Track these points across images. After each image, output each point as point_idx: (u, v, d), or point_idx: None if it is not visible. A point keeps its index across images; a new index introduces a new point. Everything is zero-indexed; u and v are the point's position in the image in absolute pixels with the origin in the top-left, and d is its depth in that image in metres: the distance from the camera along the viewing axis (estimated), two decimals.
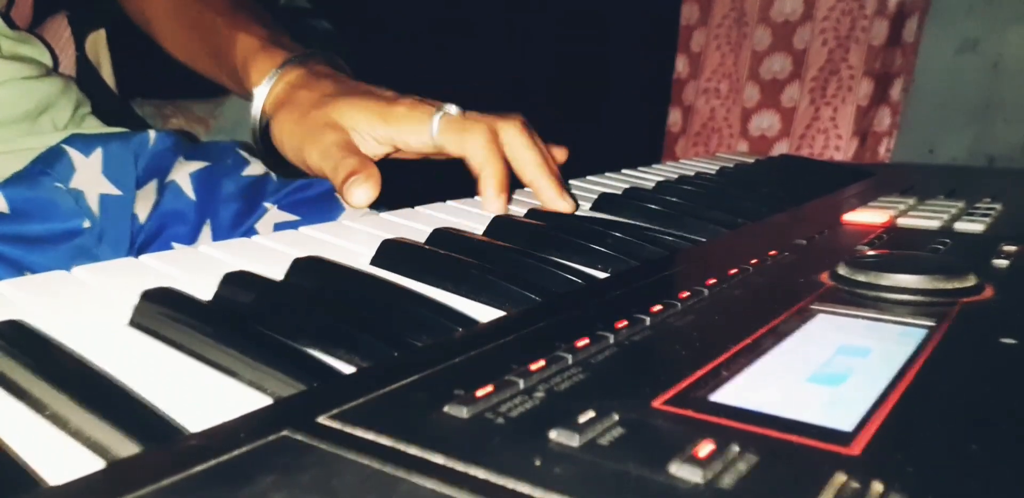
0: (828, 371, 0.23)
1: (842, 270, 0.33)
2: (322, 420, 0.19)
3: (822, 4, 1.70)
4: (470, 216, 0.46)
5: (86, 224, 0.55)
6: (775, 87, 1.80)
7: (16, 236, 0.52)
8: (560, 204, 0.50)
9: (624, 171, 0.68)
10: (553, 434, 0.18)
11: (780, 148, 1.79)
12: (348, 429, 0.19)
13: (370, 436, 0.18)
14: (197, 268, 0.33)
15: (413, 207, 0.48)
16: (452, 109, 0.50)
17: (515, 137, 0.49)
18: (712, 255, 0.40)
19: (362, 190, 0.47)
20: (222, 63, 0.59)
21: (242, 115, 1.14)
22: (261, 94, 0.54)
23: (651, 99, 2.02)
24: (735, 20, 1.84)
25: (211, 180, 0.61)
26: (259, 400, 0.24)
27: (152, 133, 0.61)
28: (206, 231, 0.60)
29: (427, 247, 0.39)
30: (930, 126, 1.68)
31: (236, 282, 0.31)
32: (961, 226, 0.45)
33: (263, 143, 0.56)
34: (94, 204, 0.56)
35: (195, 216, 0.60)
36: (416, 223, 0.44)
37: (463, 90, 0.78)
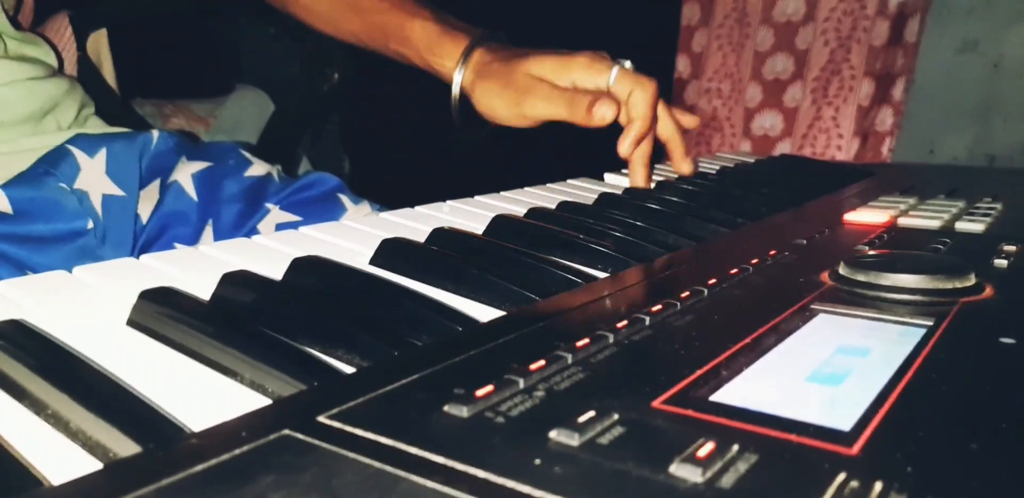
0: (827, 371, 0.23)
1: (842, 270, 0.33)
2: (322, 419, 0.19)
3: (824, 5, 1.69)
4: (470, 216, 0.46)
5: (89, 225, 0.55)
6: (777, 87, 1.79)
7: (20, 236, 0.52)
8: (685, 166, 0.65)
9: (625, 171, 0.68)
10: (553, 434, 0.18)
11: (782, 148, 1.79)
12: (348, 428, 0.19)
13: (370, 435, 0.18)
14: (198, 268, 0.33)
15: (413, 207, 0.48)
16: (627, 63, 0.61)
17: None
18: (712, 255, 0.40)
19: (607, 107, 0.55)
20: (391, 42, 0.68)
21: (242, 115, 1.14)
22: (459, 77, 0.64)
23: None
24: (737, 20, 1.84)
25: (213, 181, 0.61)
26: (259, 400, 0.24)
27: (155, 133, 0.61)
28: (208, 232, 0.60)
29: (427, 247, 0.39)
30: (931, 126, 1.68)
31: (234, 282, 0.31)
32: (961, 226, 0.45)
33: (462, 116, 0.66)
34: (97, 205, 0.56)
35: (197, 217, 0.60)
36: (416, 223, 0.44)
37: None
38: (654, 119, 0.60)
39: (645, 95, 0.58)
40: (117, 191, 0.57)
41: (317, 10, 0.72)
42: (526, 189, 0.56)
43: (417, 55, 0.67)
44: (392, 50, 0.69)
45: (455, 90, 0.64)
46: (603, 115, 0.55)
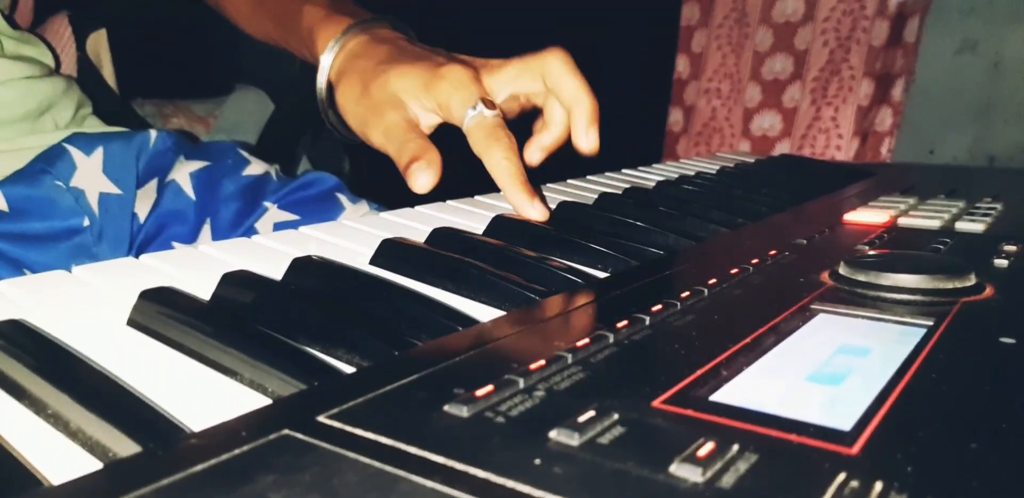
0: (828, 370, 0.23)
1: (842, 270, 0.33)
2: (322, 419, 0.19)
3: (823, 5, 1.70)
4: (470, 216, 0.46)
5: (86, 223, 0.55)
6: (777, 87, 1.80)
7: (15, 234, 0.52)
8: (587, 139, 0.51)
9: (624, 171, 0.68)
10: (553, 433, 0.18)
11: (782, 148, 1.79)
12: (348, 428, 0.19)
13: (370, 435, 0.18)
14: (197, 267, 0.33)
15: (413, 207, 0.48)
16: (487, 111, 0.48)
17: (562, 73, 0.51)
18: (712, 255, 0.40)
19: (424, 176, 0.46)
20: (289, 34, 0.59)
21: (242, 115, 1.14)
22: (325, 64, 0.53)
23: (651, 99, 2.02)
24: (736, 21, 1.84)
25: (211, 180, 0.61)
26: (259, 400, 0.24)
27: (153, 133, 0.61)
28: (206, 231, 0.60)
29: (427, 247, 0.39)
30: (931, 126, 1.69)
31: (234, 282, 0.31)
32: (961, 226, 0.45)
33: (331, 112, 0.55)
34: (94, 203, 0.56)
35: (195, 216, 0.60)
36: (416, 223, 0.44)
37: None
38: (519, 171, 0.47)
39: (495, 153, 0.46)
40: (114, 189, 0.57)
41: (243, 12, 0.66)
42: None
43: (306, 47, 0.56)
44: (293, 48, 0.60)
45: (320, 80, 0.54)
46: (421, 184, 0.46)
